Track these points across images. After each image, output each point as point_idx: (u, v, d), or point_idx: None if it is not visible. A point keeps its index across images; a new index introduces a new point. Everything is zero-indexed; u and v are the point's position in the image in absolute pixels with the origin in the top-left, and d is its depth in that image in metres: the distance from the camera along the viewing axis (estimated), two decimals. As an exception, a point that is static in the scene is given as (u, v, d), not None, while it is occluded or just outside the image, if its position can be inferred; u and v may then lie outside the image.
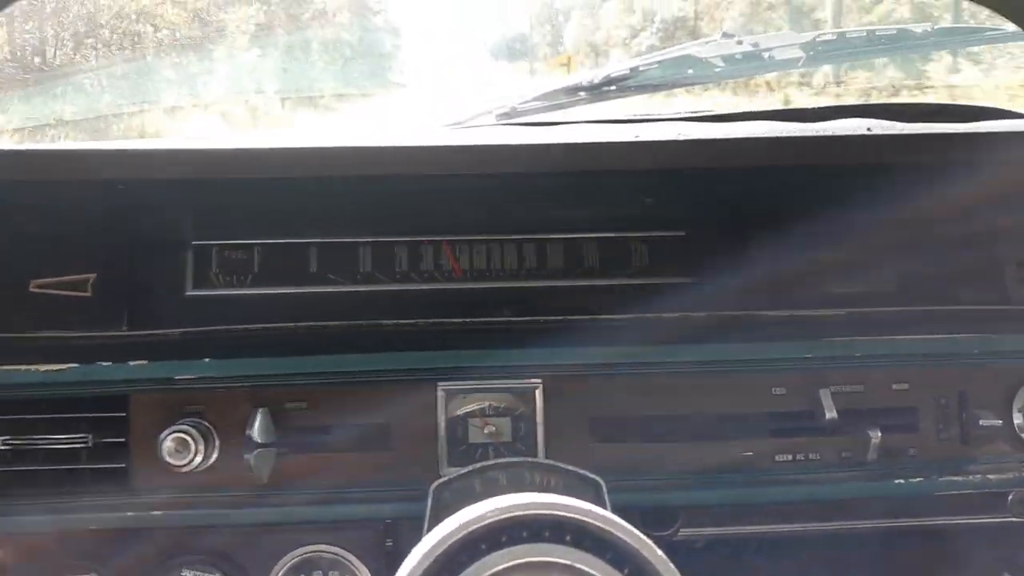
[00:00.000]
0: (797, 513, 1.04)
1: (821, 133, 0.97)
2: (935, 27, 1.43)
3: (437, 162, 0.94)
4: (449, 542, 0.68)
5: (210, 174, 0.91)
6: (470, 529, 0.67)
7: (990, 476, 1.02)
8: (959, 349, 1.03)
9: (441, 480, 0.88)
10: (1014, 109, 1.30)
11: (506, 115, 1.34)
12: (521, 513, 0.68)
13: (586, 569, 0.67)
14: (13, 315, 1.00)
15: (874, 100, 1.34)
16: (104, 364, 0.95)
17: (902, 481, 1.00)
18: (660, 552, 0.69)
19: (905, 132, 0.98)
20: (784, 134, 0.98)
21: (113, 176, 0.90)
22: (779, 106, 1.56)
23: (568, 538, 0.69)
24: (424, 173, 0.94)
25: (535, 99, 1.35)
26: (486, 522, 0.67)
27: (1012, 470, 1.02)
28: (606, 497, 0.85)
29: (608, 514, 0.70)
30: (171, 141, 1.03)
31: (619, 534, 0.68)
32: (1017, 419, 1.02)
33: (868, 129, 0.96)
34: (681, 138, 0.94)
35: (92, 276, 1.02)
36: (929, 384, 1.02)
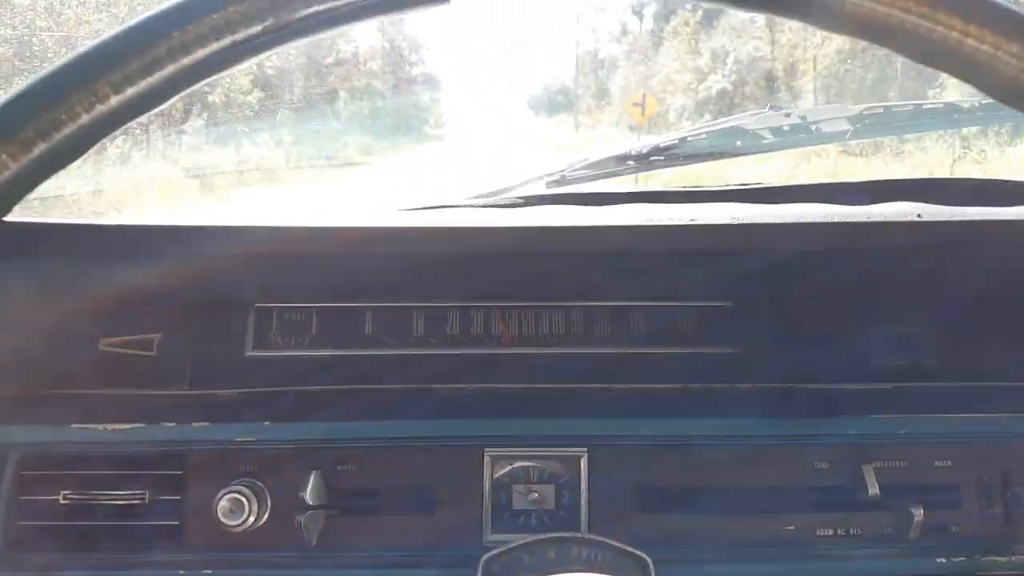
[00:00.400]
0: None
1: (871, 219, 0.98)
2: (982, 102, 1.44)
3: (496, 243, 0.97)
4: None
5: (281, 251, 0.95)
6: None
7: None
8: (1003, 429, 1.03)
9: (491, 553, 0.89)
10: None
11: (556, 182, 1.37)
12: None
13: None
14: (83, 372, 1.04)
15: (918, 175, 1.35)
16: (167, 425, 0.99)
17: (943, 560, 0.99)
18: None
19: (955, 219, 0.99)
20: (836, 219, 0.99)
21: (183, 253, 0.94)
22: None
23: None
24: (480, 253, 0.96)
25: (584, 167, 1.38)
26: None
27: None
28: (653, 575, 0.85)
29: None
30: (239, 217, 1.07)
31: None
32: None
33: (918, 216, 0.97)
34: (736, 222, 0.96)
35: (157, 337, 1.06)
36: (972, 461, 1.01)
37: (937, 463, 1.01)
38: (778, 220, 0.97)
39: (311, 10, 0.43)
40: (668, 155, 1.38)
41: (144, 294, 1.06)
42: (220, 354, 1.07)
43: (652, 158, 1.38)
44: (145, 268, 1.00)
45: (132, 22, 0.43)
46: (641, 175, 1.47)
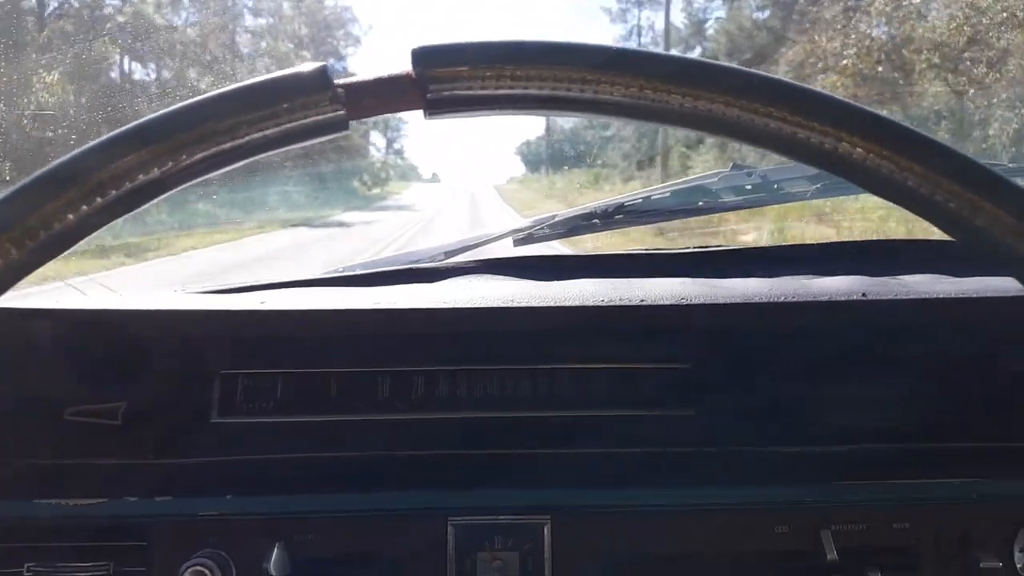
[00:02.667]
0: None
1: (817, 299, 1.01)
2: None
3: (455, 321, 0.98)
4: None
5: (234, 334, 0.96)
6: None
7: None
8: (961, 492, 1.05)
9: None
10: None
11: (523, 240, 1.40)
12: None
13: None
14: (48, 442, 1.04)
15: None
16: (131, 499, 0.99)
17: None
18: None
19: (898, 298, 1.02)
20: (781, 299, 1.02)
21: (142, 333, 0.96)
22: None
23: None
24: (442, 332, 0.98)
25: (550, 226, 1.41)
26: None
27: None
28: None
29: None
30: (196, 300, 1.09)
31: None
32: (1018, 561, 1.03)
33: (863, 294, 1.00)
34: (684, 303, 0.98)
35: (123, 405, 1.07)
36: (929, 524, 1.03)
37: (895, 526, 1.03)
38: (725, 301, 1.00)
39: (209, 152, 0.46)
40: (632, 214, 1.41)
41: (110, 364, 1.07)
42: (185, 421, 1.08)
43: (616, 216, 1.40)
44: (111, 339, 1.01)
45: (66, 156, 0.46)
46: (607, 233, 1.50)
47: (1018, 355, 1.10)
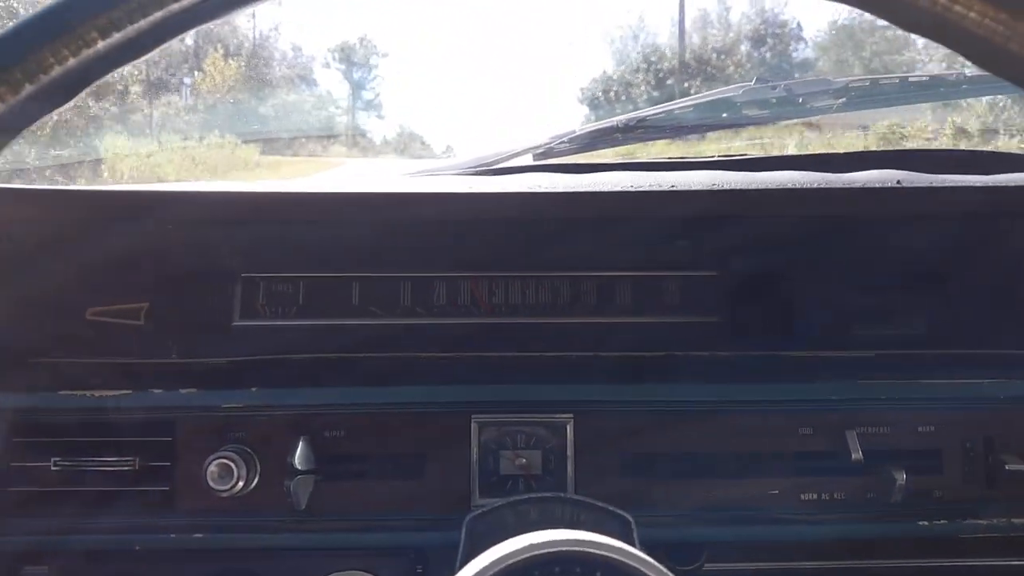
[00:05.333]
0: (822, 550, 1.05)
1: (850, 185, 0.99)
2: (968, 75, 1.45)
3: (481, 208, 0.97)
4: None
5: (256, 216, 0.95)
6: (504, 565, 0.70)
7: (1015, 520, 1.02)
8: (985, 394, 1.04)
9: (475, 513, 0.91)
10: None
11: (542, 155, 1.38)
12: (555, 550, 0.70)
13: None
14: (70, 341, 1.05)
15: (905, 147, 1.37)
16: (155, 391, 0.99)
17: (926, 523, 1.01)
18: None
19: (934, 185, 1.00)
20: (814, 185, 1.00)
21: (165, 217, 0.95)
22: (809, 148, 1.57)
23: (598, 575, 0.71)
24: (469, 219, 0.97)
25: (570, 140, 1.39)
26: (520, 558, 0.70)
27: None
28: (635, 534, 0.86)
29: (639, 553, 0.72)
30: (209, 185, 1.07)
31: (649, 573, 0.70)
32: None
33: (898, 181, 0.98)
34: (716, 188, 0.96)
35: (145, 306, 1.06)
36: (955, 427, 1.02)
37: (920, 428, 1.02)
38: (757, 186, 0.98)
39: None
40: (654, 127, 1.38)
41: (131, 263, 1.06)
42: (207, 323, 1.08)
43: (638, 130, 1.38)
44: (132, 236, 1.01)
45: None
46: (628, 148, 1.47)
47: None
